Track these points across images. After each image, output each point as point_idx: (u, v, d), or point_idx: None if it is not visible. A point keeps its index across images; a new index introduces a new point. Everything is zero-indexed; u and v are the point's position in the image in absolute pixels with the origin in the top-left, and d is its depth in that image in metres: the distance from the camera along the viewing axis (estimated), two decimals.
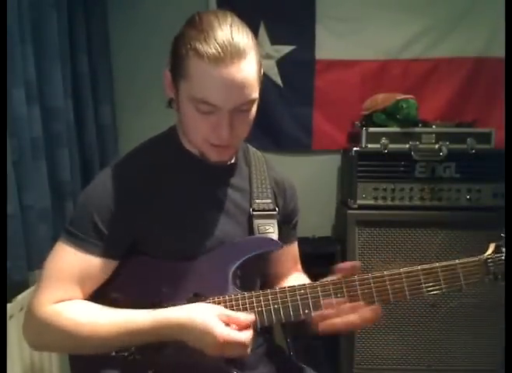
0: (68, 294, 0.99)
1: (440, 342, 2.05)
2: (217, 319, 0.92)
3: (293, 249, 1.27)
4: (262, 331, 1.22)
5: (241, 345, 0.92)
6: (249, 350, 0.94)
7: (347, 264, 1.01)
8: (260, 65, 0.99)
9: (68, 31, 1.91)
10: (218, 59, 0.89)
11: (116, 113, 2.38)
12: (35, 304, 0.97)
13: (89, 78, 2.10)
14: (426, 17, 2.36)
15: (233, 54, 0.90)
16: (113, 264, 1.03)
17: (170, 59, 1.00)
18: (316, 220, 2.40)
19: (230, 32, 0.91)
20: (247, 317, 0.95)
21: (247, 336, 0.92)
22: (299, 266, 1.29)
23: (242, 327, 0.93)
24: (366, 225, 2.03)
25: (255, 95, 0.97)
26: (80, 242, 1.00)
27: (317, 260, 1.87)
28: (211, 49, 0.89)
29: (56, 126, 1.76)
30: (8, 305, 1.44)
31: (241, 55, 0.91)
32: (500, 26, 2.09)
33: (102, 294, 1.03)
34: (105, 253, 1.01)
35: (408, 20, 2.36)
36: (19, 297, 1.51)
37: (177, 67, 0.96)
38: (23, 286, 1.54)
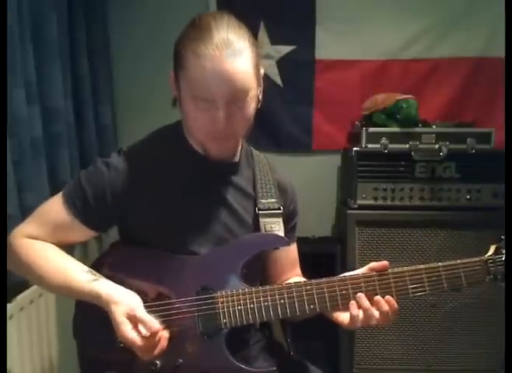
0: (41, 235, 1.09)
1: (440, 342, 2.05)
2: (124, 318, 0.96)
3: (292, 250, 1.27)
4: (261, 327, 1.24)
5: (137, 347, 0.96)
6: (150, 354, 0.97)
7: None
8: (257, 64, 1.03)
9: (68, 31, 1.91)
10: (213, 57, 0.96)
11: (116, 113, 2.39)
12: (14, 233, 1.10)
13: (89, 79, 2.10)
14: (426, 17, 2.36)
15: (228, 52, 0.96)
16: (89, 232, 1.11)
17: (173, 59, 1.05)
18: (316, 220, 2.40)
19: (226, 32, 0.97)
20: (153, 325, 0.97)
21: (140, 341, 0.95)
22: (299, 270, 1.29)
23: (150, 331, 0.96)
24: (366, 225, 2.03)
25: (250, 91, 1.01)
26: (69, 201, 1.09)
27: (317, 260, 1.88)
28: (207, 49, 0.96)
29: (56, 126, 1.77)
30: (8, 305, 1.44)
31: (236, 54, 0.97)
32: (500, 26, 2.09)
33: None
34: (85, 222, 1.09)
35: (408, 20, 2.36)
36: (19, 297, 1.51)
37: (179, 66, 1.03)
38: (23, 286, 1.54)
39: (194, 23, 1.02)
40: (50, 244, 1.09)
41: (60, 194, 1.11)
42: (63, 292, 1.08)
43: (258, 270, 1.22)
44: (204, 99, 0.99)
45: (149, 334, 0.96)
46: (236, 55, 0.97)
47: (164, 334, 1.00)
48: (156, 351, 0.98)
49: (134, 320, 0.96)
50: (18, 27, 1.50)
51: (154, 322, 0.97)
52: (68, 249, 1.13)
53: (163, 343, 0.99)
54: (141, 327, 0.96)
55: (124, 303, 0.98)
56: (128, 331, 0.95)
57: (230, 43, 0.97)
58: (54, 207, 1.09)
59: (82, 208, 1.08)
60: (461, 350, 2.05)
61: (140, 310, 0.98)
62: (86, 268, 1.07)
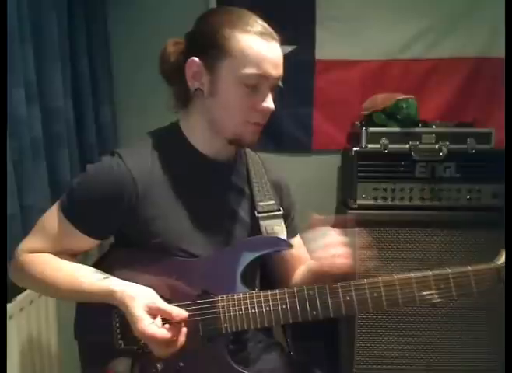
0: (45, 248, 1.09)
1: (440, 342, 2.05)
2: (143, 312, 0.94)
3: (299, 245, 1.24)
4: (261, 328, 1.24)
5: (157, 343, 0.92)
6: (169, 349, 0.93)
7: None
8: None
9: (68, 31, 1.91)
10: (264, 34, 1.05)
11: (116, 112, 2.39)
12: (18, 250, 1.12)
13: (89, 78, 2.10)
14: (426, 17, 2.36)
15: (272, 34, 1.08)
16: (91, 240, 1.10)
17: (197, 48, 1.05)
18: None
19: (261, 20, 1.09)
20: (180, 312, 0.95)
21: (163, 334, 0.92)
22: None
23: (173, 322, 0.94)
24: (366, 225, 2.03)
25: None
26: (65, 212, 1.08)
27: None
28: (257, 27, 1.05)
29: (56, 126, 1.76)
30: (8, 305, 1.44)
31: (276, 37, 1.10)
32: (500, 26, 2.09)
33: None
34: (84, 231, 1.08)
35: (408, 20, 2.36)
36: (19, 297, 1.51)
37: (217, 49, 1.03)
38: None
39: (222, 10, 1.10)
40: (50, 255, 1.09)
41: (56, 204, 1.10)
42: (74, 296, 1.07)
43: (256, 273, 1.22)
44: (257, 75, 1.03)
45: (176, 322, 0.93)
46: (276, 38, 1.10)
47: (183, 329, 0.95)
48: (175, 346, 0.94)
49: (155, 312, 0.94)
50: (18, 27, 1.50)
51: (179, 310, 0.95)
52: None
53: (182, 338, 0.95)
54: (158, 320, 0.93)
55: (142, 297, 0.96)
56: (147, 325, 0.92)
57: (270, 28, 1.08)
58: (53, 219, 1.09)
59: (80, 218, 1.07)
60: (461, 350, 2.04)
61: (160, 301, 0.97)
62: (94, 269, 1.07)
